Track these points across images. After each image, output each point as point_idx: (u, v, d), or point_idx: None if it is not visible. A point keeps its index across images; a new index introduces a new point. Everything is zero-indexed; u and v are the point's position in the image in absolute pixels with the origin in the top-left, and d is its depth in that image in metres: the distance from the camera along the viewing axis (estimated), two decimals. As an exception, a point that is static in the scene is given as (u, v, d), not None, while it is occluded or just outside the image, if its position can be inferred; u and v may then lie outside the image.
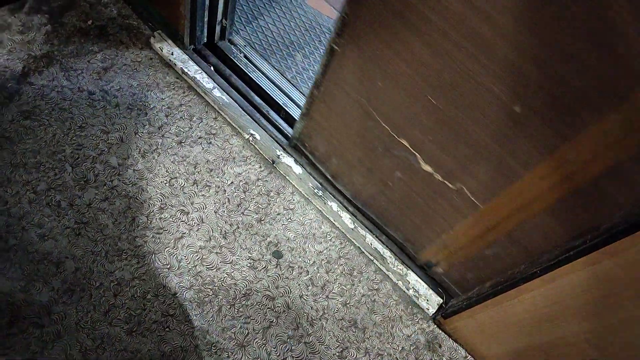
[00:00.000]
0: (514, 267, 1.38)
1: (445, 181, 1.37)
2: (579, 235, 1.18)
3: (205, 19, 1.83)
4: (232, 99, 1.83)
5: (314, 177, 1.75)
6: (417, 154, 1.38)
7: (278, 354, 1.43)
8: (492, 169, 1.24)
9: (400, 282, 1.62)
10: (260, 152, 1.76)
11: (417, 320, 1.59)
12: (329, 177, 1.77)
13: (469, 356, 1.56)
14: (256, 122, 1.80)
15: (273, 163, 1.74)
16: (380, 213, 1.70)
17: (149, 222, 1.51)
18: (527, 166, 1.16)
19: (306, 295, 1.54)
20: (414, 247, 1.67)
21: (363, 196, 1.71)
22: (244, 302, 1.47)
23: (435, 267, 1.66)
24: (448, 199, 1.41)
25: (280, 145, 1.79)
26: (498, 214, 1.32)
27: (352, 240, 1.67)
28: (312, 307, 1.52)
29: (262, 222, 1.63)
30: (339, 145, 1.61)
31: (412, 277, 1.62)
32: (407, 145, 1.39)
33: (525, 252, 1.34)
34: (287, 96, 1.91)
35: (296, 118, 1.77)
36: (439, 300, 1.61)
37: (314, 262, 1.61)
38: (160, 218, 1.53)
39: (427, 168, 1.39)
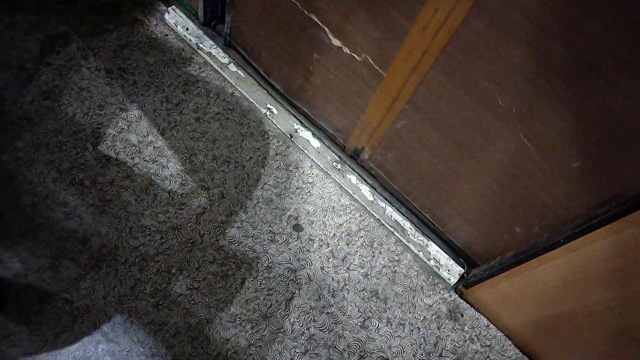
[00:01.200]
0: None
1: (352, 54, 1.44)
2: (603, 203, 1.16)
3: (219, -7, 1.82)
4: (248, 74, 1.82)
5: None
6: (326, 27, 1.44)
7: (301, 325, 1.45)
8: (385, 29, 1.30)
9: (421, 252, 1.62)
10: (278, 126, 1.76)
11: (438, 290, 1.60)
12: (263, 73, 1.83)
13: (491, 325, 1.57)
14: (272, 96, 1.79)
15: (291, 137, 1.74)
16: (310, 105, 1.75)
17: (171, 198, 1.53)
18: (410, 17, 1.21)
19: (327, 267, 1.55)
20: (343, 136, 1.73)
21: (293, 89, 1.76)
22: (266, 275, 1.49)
23: (362, 153, 1.70)
24: (358, 74, 1.47)
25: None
26: (399, 78, 1.36)
27: (372, 212, 1.67)
28: (333, 279, 1.54)
29: (282, 196, 1.64)
30: (265, 36, 1.68)
31: (433, 248, 1.62)
32: (317, 21, 1.45)
33: (430, 121, 1.39)
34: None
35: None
36: (460, 270, 1.61)
37: (334, 234, 1.61)
38: (181, 194, 1.55)
39: (337, 42, 1.45)
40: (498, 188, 1.37)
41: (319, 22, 1.45)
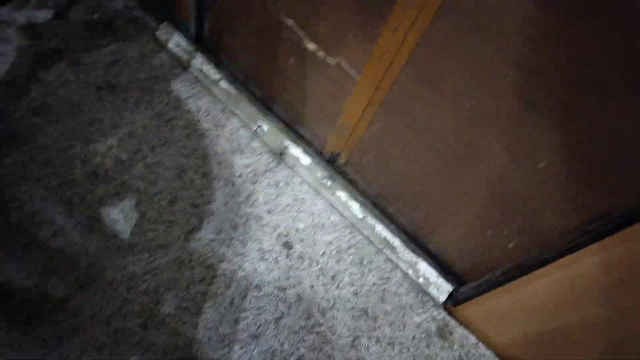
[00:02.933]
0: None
1: (326, 58, 1.45)
2: (592, 220, 1.17)
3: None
4: (239, 91, 1.82)
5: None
6: (300, 32, 1.47)
7: (290, 344, 1.44)
8: (357, 31, 1.31)
9: (410, 270, 1.62)
10: (268, 143, 1.76)
11: (427, 308, 1.60)
12: (241, 79, 1.86)
13: (480, 343, 1.57)
14: (263, 113, 1.80)
15: (281, 154, 1.74)
16: (289, 110, 1.77)
17: (160, 216, 1.53)
18: (381, 18, 1.22)
19: (317, 285, 1.55)
20: (320, 141, 1.74)
21: (271, 94, 1.78)
22: (255, 294, 1.49)
23: (339, 158, 1.71)
24: (332, 78, 1.49)
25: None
26: (372, 81, 1.38)
27: (362, 229, 1.67)
28: (323, 297, 1.53)
29: (272, 213, 1.64)
30: (242, 40, 1.70)
31: (422, 266, 1.62)
32: (292, 26, 1.47)
33: (404, 124, 1.40)
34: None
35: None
36: (450, 287, 1.61)
37: (324, 252, 1.61)
38: (170, 211, 1.54)
39: (311, 47, 1.46)
40: (480, 199, 1.37)
41: (293, 27, 1.47)
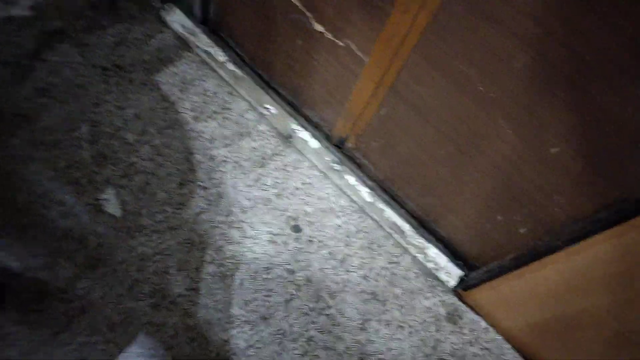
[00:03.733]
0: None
1: (335, 39, 1.43)
2: (604, 207, 1.17)
3: (218, -10, 1.80)
4: (246, 73, 1.80)
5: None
6: (307, 12, 1.44)
7: (300, 326, 1.44)
8: (366, 13, 1.29)
9: (420, 255, 1.62)
10: (276, 126, 1.75)
11: (437, 293, 1.60)
12: (248, 62, 1.84)
13: (490, 328, 1.57)
14: (270, 95, 1.78)
15: (289, 138, 1.73)
16: (295, 93, 1.76)
17: (169, 197, 1.51)
18: (390, 0, 1.21)
19: (326, 268, 1.55)
20: (328, 124, 1.73)
21: (277, 76, 1.77)
22: (265, 276, 1.48)
23: (347, 141, 1.70)
24: (341, 60, 1.47)
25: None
26: (380, 64, 1.36)
27: (371, 214, 1.67)
28: (332, 280, 1.53)
29: (280, 196, 1.63)
30: (247, 21, 1.68)
31: (432, 251, 1.62)
32: (299, 5, 1.45)
33: (412, 108, 1.39)
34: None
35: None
36: (460, 272, 1.61)
37: (333, 236, 1.61)
38: (179, 194, 1.53)
39: (319, 27, 1.44)
40: (490, 184, 1.37)
41: (301, 7, 1.45)
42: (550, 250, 1.28)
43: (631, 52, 0.92)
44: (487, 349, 1.53)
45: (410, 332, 1.51)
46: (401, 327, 1.51)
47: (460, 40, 1.15)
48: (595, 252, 1.20)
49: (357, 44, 1.39)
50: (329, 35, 1.44)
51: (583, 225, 1.21)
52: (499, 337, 1.56)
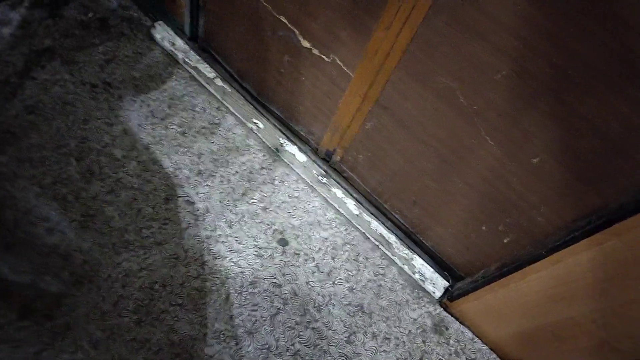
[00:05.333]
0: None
1: (321, 55, 1.47)
2: (585, 215, 1.18)
3: (205, 8, 1.83)
4: (234, 88, 1.82)
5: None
6: (295, 29, 1.48)
7: (286, 340, 1.44)
8: (351, 29, 1.33)
9: (406, 266, 1.62)
10: (264, 140, 1.76)
11: (423, 304, 1.60)
12: (236, 77, 1.87)
13: (476, 338, 1.57)
14: (258, 110, 1.80)
15: (277, 151, 1.74)
16: (284, 108, 1.78)
17: (155, 213, 1.52)
18: (374, 17, 1.25)
19: (313, 281, 1.55)
20: (315, 138, 1.75)
21: (266, 91, 1.79)
22: (251, 290, 1.49)
23: (334, 155, 1.71)
24: (327, 75, 1.50)
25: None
26: (366, 78, 1.39)
27: (357, 226, 1.67)
28: (318, 293, 1.53)
29: (267, 210, 1.64)
30: (236, 37, 1.71)
31: (418, 262, 1.62)
32: (286, 22, 1.48)
33: (397, 121, 1.41)
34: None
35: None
36: (445, 283, 1.61)
37: (320, 248, 1.61)
38: (166, 209, 1.54)
39: (306, 44, 1.48)
40: (475, 195, 1.38)
41: (288, 24, 1.48)
42: (534, 259, 1.29)
43: (611, 64, 0.94)
44: (473, 359, 1.53)
45: (396, 344, 1.51)
46: (387, 339, 1.51)
47: (443, 55, 1.17)
48: (577, 260, 1.20)
49: (343, 59, 1.41)
50: (316, 51, 1.47)
51: (565, 233, 1.22)
52: (485, 347, 1.55)
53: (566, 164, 1.14)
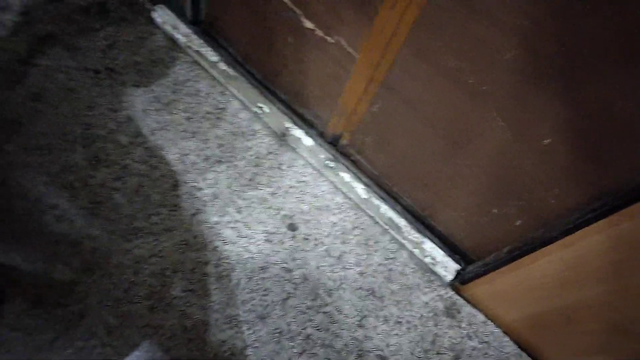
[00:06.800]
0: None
1: (325, 36, 1.44)
2: (598, 197, 1.17)
3: (208, -10, 1.80)
4: (238, 72, 1.80)
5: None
6: (297, 9, 1.44)
7: (298, 325, 1.44)
8: (355, 9, 1.29)
9: (416, 250, 1.62)
10: (270, 125, 1.75)
11: (434, 287, 1.60)
12: (240, 61, 1.84)
13: (488, 321, 1.57)
14: (263, 94, 1.78)
15: (283, 136, 1.73)
16: (289, 92, 1.76)
17: (163, 199, 1.51)
18: None
19: (323, 266, 1.55)
20: (321, 122, 1.73)
21: (270, 75, 1.77)
22: (261, 275, 1.48)
23: (341, 139, 1.70)
24: (332, 57, 1.47)
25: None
26: (371, 59, 1.36)
27: (366, 210, 1.67)
28: (329, 278, 1.53)
29: (276, 195, 1.63)
30: (239, 20, 1.69)
31: (429, 245, 1.62)
32: (288, 2, 1.45)
33: (405, 102, 1.39)
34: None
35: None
36: (456, 267, 1.61)
37: (329, 233, 1.61)
38: (174, 195, 1.53)
39: (309, 24, 1.45)
40: (485, 177, 1.37)
41: (291, 4, 1.45)
42: (546, 242, 1.28)
43: (622, 42, 0.92)
44: (486, 342, 1.53)
45: (408, 328, 1.51)
46: (399, 322, 1.51)
47: (450, 34, 1.15)
48: (589, 242, 1.20)
49: (348, 40, 1.39)
50: (320, 32, 1.44)
51: (577, 216, 1.21)
52: (498, 330, 1.56)
53: (578, 145, 1.13)
